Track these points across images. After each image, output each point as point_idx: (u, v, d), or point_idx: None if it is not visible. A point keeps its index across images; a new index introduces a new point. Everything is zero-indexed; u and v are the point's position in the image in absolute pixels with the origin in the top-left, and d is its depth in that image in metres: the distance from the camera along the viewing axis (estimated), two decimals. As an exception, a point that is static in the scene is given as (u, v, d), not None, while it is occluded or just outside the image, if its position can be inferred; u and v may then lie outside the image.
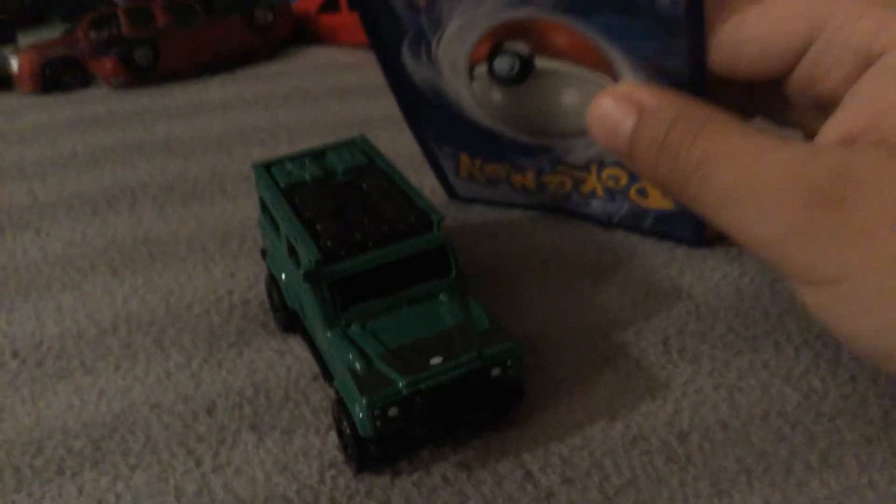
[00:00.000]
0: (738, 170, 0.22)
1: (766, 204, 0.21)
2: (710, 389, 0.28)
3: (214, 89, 0.60)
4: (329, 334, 0.26)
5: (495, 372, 0.25)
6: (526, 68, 0.28)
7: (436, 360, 0.25)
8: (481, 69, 0.30)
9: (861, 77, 0.22)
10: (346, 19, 0.68)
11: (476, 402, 0.25)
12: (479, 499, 0.24)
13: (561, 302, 0.33)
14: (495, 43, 0.28)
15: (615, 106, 0.25)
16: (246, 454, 0.26)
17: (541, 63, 0.28)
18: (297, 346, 0.31)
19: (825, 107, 0.24)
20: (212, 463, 0.26)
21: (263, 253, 0.34)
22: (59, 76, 0.62)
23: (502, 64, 0.29)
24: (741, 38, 0.24)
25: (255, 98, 0.58)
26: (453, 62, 0.30)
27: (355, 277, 0.26)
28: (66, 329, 0.33)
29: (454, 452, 0.26)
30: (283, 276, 0.30)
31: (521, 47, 0.28)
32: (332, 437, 0.27)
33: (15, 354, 0.32)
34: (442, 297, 0.27)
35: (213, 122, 0.54)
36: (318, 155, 0.32)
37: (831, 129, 0.22)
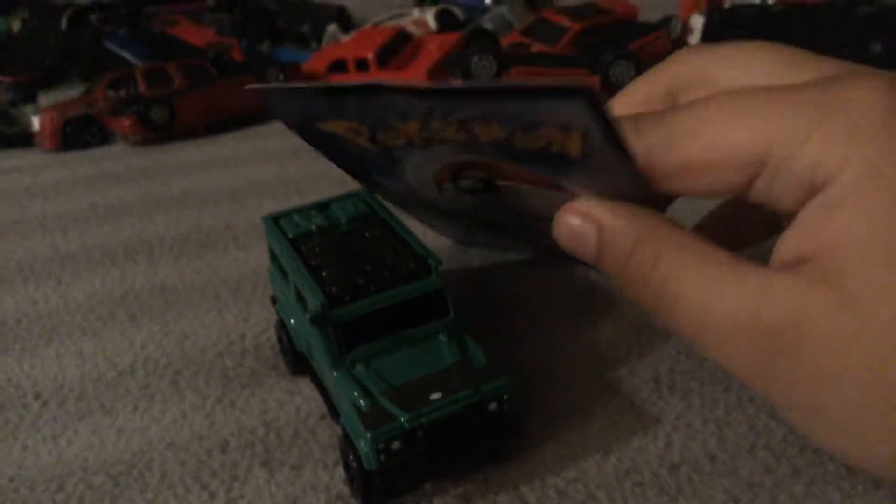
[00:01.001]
0: (699, 304, 0.22)
1: (726, 342, 0.22)
2: (700, 424, 0.29)
3: (228, 146, 0.63)
4: (335, 374, 0.28)
5: (492, 406, 0.26)
6: (489, 186, 0.29)
7: (435, 396, 0.26)
8: (448, 185, 0.30)
9: (807, 204, 0.22)
10: (354, 79, 0.71)
11: (474, 435, 0.26)
12: (478, 529, 0.26)
13: (557, 341, 0.35)
14: (453, 172, 0.29)
15: (579, 222, 0.25)
16: (258, 489, 0.28)
17: (502, 182, 0.28)
18: (305, 386, 0.32)
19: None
20: (225, 497, 0.27)
21: (273, 299, 0.36)
22: (78, 134, 0.64)
23: (466, 183, 0.29)
24: (693, 171, 0.23)
25: (266, 154, 0.60)
26: (421, 182, 0.31)
27: (359, 320, 0.28)
28: (86, 372, 0.34)
29: (455, 485, 0.27)
30: (292, 320, 0.31)
31: (480, 174, 0.28)
32: (340, 471, 0.28)
33: (37, 396, 0.33)
34: (441, 336, 0.29)
35: (227, 177, 0.56)
36: (323, 206, 0.34)
37: (785, 246, 0.22)
